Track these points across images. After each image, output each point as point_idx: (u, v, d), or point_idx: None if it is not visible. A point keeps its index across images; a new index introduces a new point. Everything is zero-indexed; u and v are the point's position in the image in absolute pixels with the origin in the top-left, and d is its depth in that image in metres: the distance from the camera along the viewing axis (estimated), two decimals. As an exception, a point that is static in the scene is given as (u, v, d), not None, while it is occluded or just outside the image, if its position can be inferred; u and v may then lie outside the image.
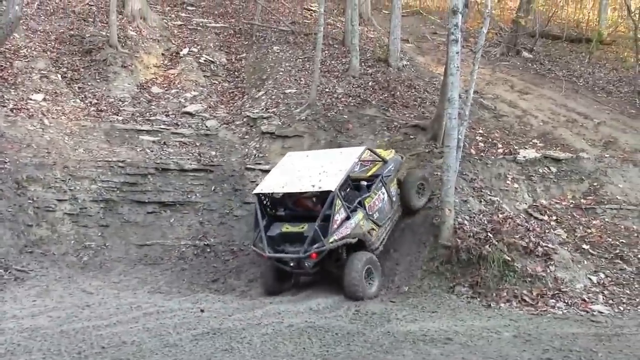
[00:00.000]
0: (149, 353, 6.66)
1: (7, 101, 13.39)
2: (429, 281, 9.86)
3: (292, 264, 9.58)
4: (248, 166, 13.42)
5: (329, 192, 9.37)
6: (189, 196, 12.72)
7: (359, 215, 9.83)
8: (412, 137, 13.59)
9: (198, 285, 10.72)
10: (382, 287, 9.93)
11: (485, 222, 10.54)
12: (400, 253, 10.66)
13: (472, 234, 10.05)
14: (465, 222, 10.47)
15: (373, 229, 10.12)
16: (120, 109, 14.73)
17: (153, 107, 15.20)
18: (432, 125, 13.38)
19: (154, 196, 12.50)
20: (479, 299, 9.30)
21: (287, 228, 9.83)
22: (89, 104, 14.54)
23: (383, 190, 10.61)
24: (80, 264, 11.07)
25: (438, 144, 12.80)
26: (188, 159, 13.27)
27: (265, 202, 10.24)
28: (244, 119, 15.00)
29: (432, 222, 10.78)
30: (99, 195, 12.07)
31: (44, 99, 13.97)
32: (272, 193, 10.21)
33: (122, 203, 12.22)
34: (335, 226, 9.39)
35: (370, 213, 10.12)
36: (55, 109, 13.79)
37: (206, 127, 14.76)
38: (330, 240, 9.28)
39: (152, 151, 13.35)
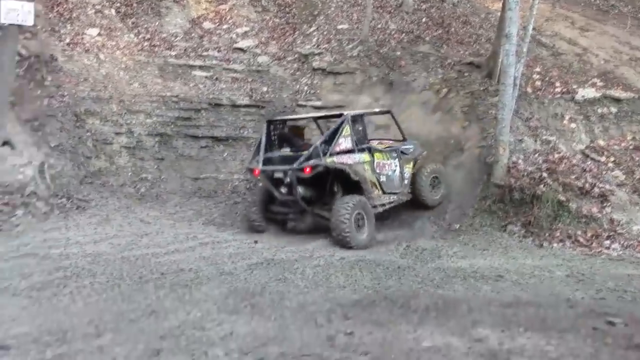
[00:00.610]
0: (205, 280, 6.90)
1: (63, 36, 13.57)
2: (481, 219, 9.84)
3: (282, 190, 9.40)
4: (299, 103, 13.42)
5: (340, 114, 9.64)
6: (241, 131, 12.85)
7: (365, 156, 9.68)
8: (466, 74, 13.28)
9: (251, 218, 10.94)
10: (433, 224, 9.93)
11: (541, 161, 10.36)
12: (451, 191, 10.60)
13: (526, 174, 9.91)
14: (520, 161, 10.31)
15: (375, 185, 9.83)
16: (173, 44, 14.77)
17: (205, 42, 15.18)
18: (488, 62, 13.04)
19: (207, 131, 12.68)
20: (531, 238, 9.24)
21: (287, 152, 9.84)
22: (142, 39, 14.62)
23: (396, 162, 10.33)
24: (138, 195, 11.41)
25: (493, 81, 12.49)
26: (240, 95, 13.33)
27: (273, 132, 10.25)
28: (295, 55, 14.88)
29: (486, 161, 10.65)
30: (153, 129, 12.30)
31: (99, 34, 14.10)
32: (283, 120, 10.53)
33: (176, 137, 12.44)
34: (337, 149, 9.23)
35: (378, 171, 9.91)
36: (110, 44, 13.93)
37: (257, 63, 14.71)
38: (329, 159, 9.09)
39: (204, 86, 13.45)
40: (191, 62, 14.14)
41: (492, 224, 9.73)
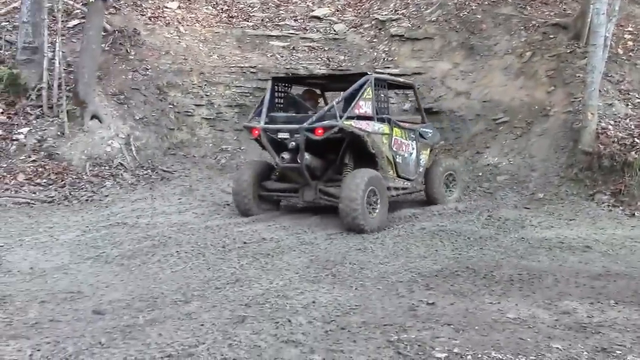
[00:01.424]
0: (287, 249, 7.00)
1: (145, 10, 13.90)
2: (567, 188, 9.50)
3: (284, 156, 7.96)
4: (377, 70, 13.20)
5: (365, 73, 8.36)
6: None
7: (385, 127, 8.39)
8: (551, 36, 12.69)
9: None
10: (516, 193, 9.63)
11: (632, 127, 9.86)
12: (536, 159, 10.26)
13: (616, 140, 9.46)
14: (610, 126, 9.84)
15: (391, 164, 8.57)
16: (250, 14, 14.88)
17: (281, 12, 15.21)
18: (575, 22, 12.40)
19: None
20: (621, 208, 8.85)
21: (294, 115, 8.49)
22: (220, 11, 14.81)
23: (414, 145, 9.09)
24: (218, 165, 11.67)
25: (581, 43, 11.89)
26: (317, 64, 13.30)
27: (279, 93, 8.92)
28: (372, 22, 14.67)
29: (572, 127, 10.22)
30: (232, 101, 12.50)
31: (179, 7, 14.37)
32: (291, 78, 9.42)
33: (254, 108, 12.57)
34: (357, 111, 7.90)
35: (395, 149, 8.63)
36: (190, 17, 14.18)
37: (334, 31, 14.62)
38: (345, 121, 7.72)
39: (282, 56, 13.50)
40: (268, 32, 14.22)
41: (578, 193, 9.37)
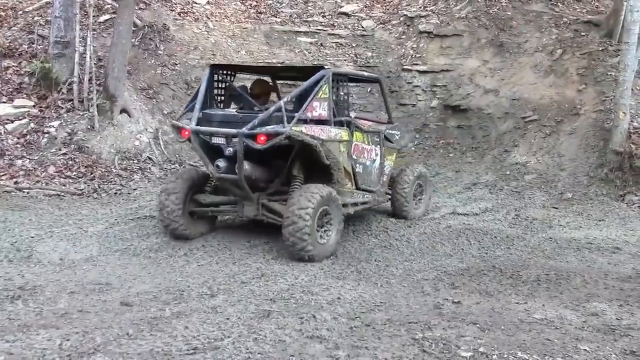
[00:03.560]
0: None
1: (174, 5, 14.00)
2: (596, 188, 9.36)
3: (219, 164, 6.48)
4: (405, 67, 13.19)
5: (320, 67, 6.98)
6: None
7: (343, 133, 6.95)
8: (583, 34, 12.50)
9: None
10: (544, 193, 9.51)
11: (665, 127, 9.67)
12: (565, 158, 10.12)
13: (648, 140, 9.30)
14: (642, 126, 9.67)
15: (349, 176, 7.24)
16: (278, 10, 14.90)
17: (310, 8, 15.21)
18: (608, 20, 12.21)
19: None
20: (652, 209, 8.70)
21: (234, 112, 6.97)
22: (248, 7, 14.85)
23: (377, 150, 7.80)
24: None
25: (614, 41, 11.72)
26: (344, 60, 13.29)
27: (219, 84, 7.41)
28: (401, 18, 14.58)
29: (603, 126, 10.06)
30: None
31: (208, 2, 14.45)
32: (233, 67, 7.88)
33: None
34: (310, 113, 6.44)
35: (354, 157, 7.29)
36: (218, 12, 14.25)
37: (362, 27, 14.57)
38: (295, 128, 6.20)
39: (309, 52, 13.51)
40: (296, 29, 14.22)
41: (608, 193, 9.23)
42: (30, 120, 10.14)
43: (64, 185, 9.16)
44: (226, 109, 7.21)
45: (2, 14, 12.33)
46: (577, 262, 6.57)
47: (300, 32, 14.15)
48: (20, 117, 10.12)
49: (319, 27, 14.35)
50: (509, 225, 8.09)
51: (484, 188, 9.95)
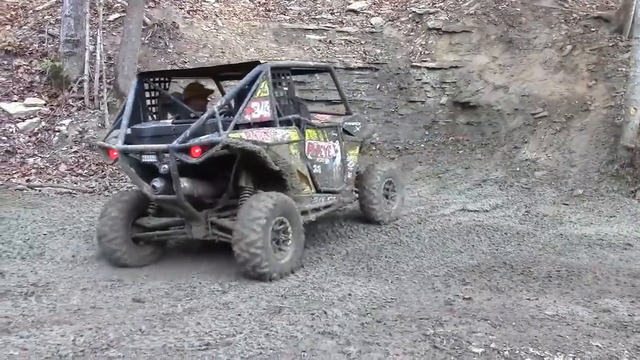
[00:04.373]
0: (322, 242, 7.04)
1: (184, 3, 14.04)
2: (607, 184, 9.31)
3: (156, 184, 5.71)
4: (414, 64, 13.15)
5: (256, 62, 6.10)
6: (354, 94, 12.81)
7: (292, 133, 6.25)
8: (593, 29, 12.44)
9: (364, 182, 10.97)
10: (555, 189, 9.47)
11: (677, 122, 9.60)
12: (575, 154, 10.08)
13: (659, 136, 9.24)
14: (653, 122, 9.60)
15: (305, 179, 6.55)
16: (287, 8, 14.90)
17: (318, 5, 15.20)
18: (618, 15, 12.15)
19: (320, 95, 12.75)
20: (663, 205, 8.65)
21: (167, 124, 6.22)
22: (257, 4, 14.86)
23: (337, 146, 7.11)
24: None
25: (624, 36, 11.65)
26: (353, 57, 13.27)
27: (150, 93, 6.66)
28: (410, 15, 14.54)
29: (614, 122, 10.02)
30: (270, 94, 12.54)
31: (217, 0, 14.47)
32: (162, 73, 7.16)
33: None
34: (249, 116, 5.75)
35: (310, 157, 6.62)
36: (227, 10, 14.27)
37: (371, 24, 14.54)
38: (233, 135, 5.51)
39: (318, 50, 13.50)
40: (305, 26, 14.21)
41: (619, 190, 9.18)
42: (42, 118, 10.21)
43: (75, 183, 9.22)
44: (160, 121, 6.44)
45: (13, 13, 12.40)
46: (588, 258, 6.54)
47: (309, 29, 14.14)
48: (32, 116, 10.19)
49: (328, 25, 14.33)
50: (519, 221, 8.07)
51: (494, 185, 9.92)
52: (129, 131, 5.95)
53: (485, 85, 12.31)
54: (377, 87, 12.97)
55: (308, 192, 6.59)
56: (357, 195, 7.66)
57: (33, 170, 9.31)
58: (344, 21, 14.55)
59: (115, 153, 5.84)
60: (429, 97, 12.81)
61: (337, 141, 7.12)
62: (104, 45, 11.01)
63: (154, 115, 6.59)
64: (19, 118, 10.07)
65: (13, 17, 12.32)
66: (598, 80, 11.17)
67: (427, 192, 9.98)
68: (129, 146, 5.78)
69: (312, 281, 5.60)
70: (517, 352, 3.93)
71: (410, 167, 11.36)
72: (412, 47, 13.68)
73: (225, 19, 13.96)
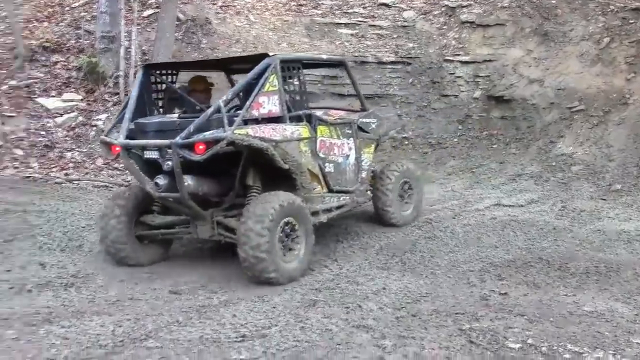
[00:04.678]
0: (355, 235, 7.04)
1: (216, -1, 14.17)
2: (647, 179, 9.12)
3: (159, 182, 5.51)
4: (447, 58, 13.02)
5: (264, 55, 5.83)
6: (386, 89, 12.75)
7: (302, 129, 6.01)
8: (631, 21, 12.13)
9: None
10: (592, 184, 9.29)
11: None
12: (613, 148, 9.88)
13: (701, 129, 9.02)
14: (694, 115, 9.38)
15: (317, 178, 6.25)
16: (319, 2, 14.87)
17: (350, -1, 15.17)
18: (658, 7, 11.87)
19: (352, 89, 12.67)
20: None
21: (172, 118, 5.92)
22: (289, -1, 14.90)
23: (351, 144, 6.79)
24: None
25: (664, 28, 11.38)
26: (386, 52, 13.20)
27: (155, 86, 6.43)
28: (442, 9, 14.39)
29: (653, 115, 9.81)
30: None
31: (249, -4, 14.55)
32: (170, 64, 7.03)
33: (323, 96, 12.60)
34: (256, 113, 5.53)
35: (322, 155, 6.31)
36: (259, 5, 14.33)
37: (403, 18, 14.44)
38: (239, 131, 5.28)
39: (350, 44, 13.46)
40: (337, 20, 14.18)
41: (660, 184, 8.99)
42: (79, 113, 10.41)
43: (111, 177, 9.38)
44: (165, 116, 6.17)
45: (50, 10, 12.65)
46: (627, 254, 6.42)
47: (341, 23, 14.10)
48: (69, 111, 10.39)
49: (360, 19, 14.28)
50: (555, 217, 7.94)
51: (529, 179, 9.79)
52: (132, 125, 5.72)
53: (520, 79, 12.13)
54: (410, 82, 12.88)
55: (319, 192, 6.28)
56: (371, 195, 7.33)
57: (71, 164, 9.50)
58: (376, 15, 14.47)
59: (117, 148, 5.64)
60: (462, 91, 12.68)
61: (352, 139, 6.81)
62: (138, 41, 11.17)
63: (160, 109, 6.36)
64: (57, 113, 10.27)
65: (50, 14, 12.57)
66: (637, 73, 10.92)
67: (461, 186, 9.89)
68: (131, 141, 5.58)
69: (346, 275, 5.61)
70: (555, 348, 3.89)
71: (444, 162, 11.27)
72: (445, 41, 13.55)
73: (258, 14, 14.01)
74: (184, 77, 7.04)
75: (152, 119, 5.94)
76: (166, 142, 5.23)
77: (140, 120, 5.81)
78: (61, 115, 10.24)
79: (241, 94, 5.84)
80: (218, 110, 5.24)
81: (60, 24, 12.20)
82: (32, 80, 10.77)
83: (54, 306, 4.71)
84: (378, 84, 12.78)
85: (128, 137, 5.58)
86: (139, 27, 11.78)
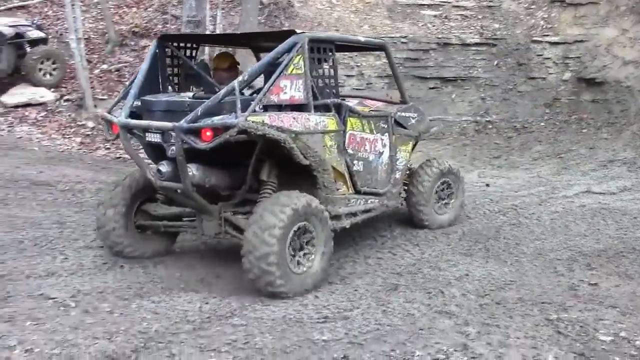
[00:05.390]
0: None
1: (299, -18, 14.20)
2: None
3: (162, 168, 4.79)
4: (534, 39, 12.58)
5: (291, 32, 5.03)
6: (470, 71, 12.47)
7: (329, 120, 5.16)
8: None
9: (480, 161, 10.70)
10: None
11: None
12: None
13: None
14: None
15: (342, 177, 5.42)
16: (402, -17, 14.69)
17: (434, -20, 14.86)
18: None
19: (435, 72, 12.52)
20: None
21: (185, 97, 5.09)
22: (372, -19, 14.75)
23: (385, 139, 5.93)
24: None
25: None
26: (470, 33, 12.88)
27: (171, 60, 5.67)
28: (531, -13, 13.91)
29: None
30: (383, 71, 12.46)
31: (331, -22, 14.51)
32: (187, 37, 6.34)
33: (404, 79, 12.46)
34: (276, 96, 4.73)
35: (351, 151, 5.50)
36: (342, -13, 14.29)
37: (489, -2, 14.05)
38: (252, 117, 4.47)
39: (433, 26, 13.22)
40: (420, 2, 13.94)
41: None
42: (166, 97, 10.72)
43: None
44: (176, 94, 5.40)
45: (139, -4, 13.09)
46: None
47: (424, 4, 13.85)
48: (157, 95, 10.73)
49: (443, 0, 13.99)
50: (650, 205, 7.57)
51: (622, 166, 9.35)
52: (138, 103, 5.06)
53: (614, 60, 11.58)
54: (495, 64, 12.54)
55: (344, 193, 5.46)
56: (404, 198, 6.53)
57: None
58: (461, -5, 14.14)
59: (117, 127, 5.01)
60: (551, 74, 12.24)
61: (387, 134, 5.96)
62: (222, 25, 11.38)
63: (176, 87, 5.66)
64: (146, 97, 10.63)
65: (138, 0, 13.00)
66: None
67: (547, 172, 9.57)
68: (131, 121, 4.89)
69: (428, 260, 5.55)
70: (651, 342, 3.71)
71: (529, 147, 10.94)
72: (533, 21, 13.08)
73: (340, -4, 13.97)
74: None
75: (160, 97, 5.20)
76: (169, 125, 4.53)
77: (147, 97, 5.10)
78: (150, 98, 10.59)
79: (263, 75, 5.08)
80: (232, 93, 4.52)
81: (149, 9, 12.61)
82: (122, 64, 11.20)
83: (144, 282, 4.89)
84: (462, 67, 12.52)
85: (131, 115, 4.96)
86: (224, 11, 12.01)
